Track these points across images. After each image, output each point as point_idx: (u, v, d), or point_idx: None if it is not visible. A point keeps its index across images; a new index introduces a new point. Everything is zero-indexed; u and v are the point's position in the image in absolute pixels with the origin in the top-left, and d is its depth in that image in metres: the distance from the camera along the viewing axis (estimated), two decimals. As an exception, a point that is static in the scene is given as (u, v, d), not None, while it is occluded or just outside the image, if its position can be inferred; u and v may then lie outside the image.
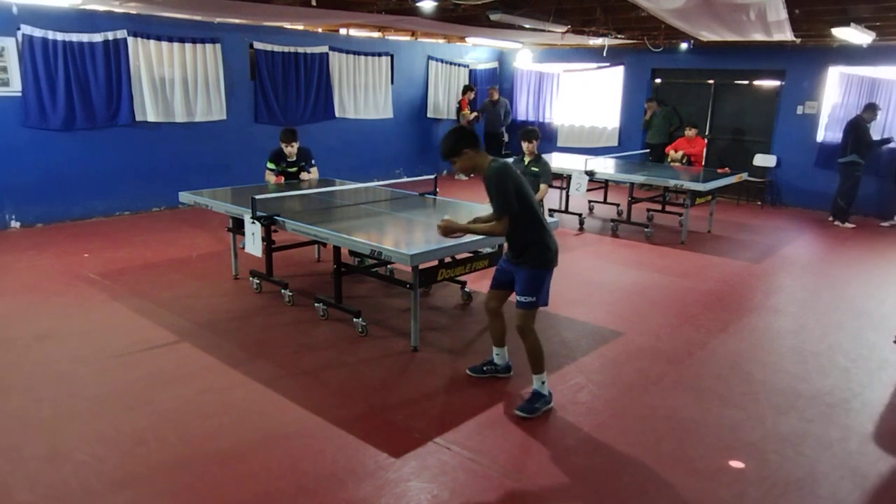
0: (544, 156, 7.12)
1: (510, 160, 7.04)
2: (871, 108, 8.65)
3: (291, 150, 6.26)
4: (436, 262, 4.41)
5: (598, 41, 9.98)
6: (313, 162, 6.57)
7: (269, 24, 9.15)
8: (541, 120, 12.78)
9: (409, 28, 9.95)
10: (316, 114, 10.11)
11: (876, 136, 9.01)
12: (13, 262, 6.21)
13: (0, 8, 6.97)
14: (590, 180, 7.90)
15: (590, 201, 9.22)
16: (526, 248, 3.54)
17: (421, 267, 4.21)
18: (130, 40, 7.94)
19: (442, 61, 11.95)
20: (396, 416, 3.58)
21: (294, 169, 6.41)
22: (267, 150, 6.83)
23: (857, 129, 8.62)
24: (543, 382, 3.65)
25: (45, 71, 7.36)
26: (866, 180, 9.07)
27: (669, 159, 9.60)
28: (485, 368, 4.06)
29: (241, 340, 4.53)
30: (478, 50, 12.62)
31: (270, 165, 6.32)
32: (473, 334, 4.76)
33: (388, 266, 5.50)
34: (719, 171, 8.49)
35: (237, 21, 8.69)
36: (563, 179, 8.37)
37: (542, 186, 6.58)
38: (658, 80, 11.47)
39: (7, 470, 3.02)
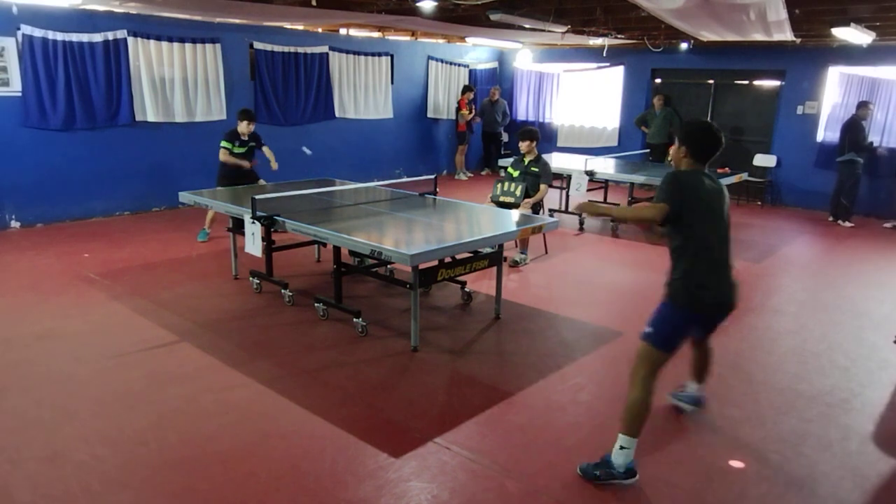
0: (544, 156, 7.11)
1: (510, 160, 7.06)
2: (864, 106, 8.75)
3: (249, 128, 6.67)
4: (436, 262, 4.41)
5: (598, 41, 9.99)
6: (263, 142, 6.98)
7: (269, 24, 9.15)
8: (541, 120, 12.78)
9: (409, 28, 9.94)
10: (316, 114, 10.11)
11: (875, 135, 9.14)
12: (13, 262, 6.21)
13: (0, 8, 6.98)
14: (590, 180, 7.90)
15: (590, 201, 9.21)
16: (672, 274, 3.00)
17: (421, 267, 4.22)
18: (130, 40, 7.94)
19: (442, 61, 11.95)
20: (396, 416, 3.58)
21: (244, 149, 6.74)
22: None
23: (852, 128, 8.69)
24: (623, 448, 2.95)
25: (45, 71, 7.36)
26: (865, 180, 9.09)
27: (670, 158, 9.58)
28: (679, 395, 3.69)
29: (241, 340, 4.53)
30: (478, 50, 12.62)
31: (226, 144, 6.64)
32: (473, 334, 4.76)
33: (388, 266, 5.50)
34: (719, 171, 8.48)
35: (237, 21, 8.69)
36: (563, 179, 8.37)
37: (542, 186, 6.58)
38: (658, 80, 11.47)
39: (7, 470, 3.02)
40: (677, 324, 2.99)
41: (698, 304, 2.95)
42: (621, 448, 2.96)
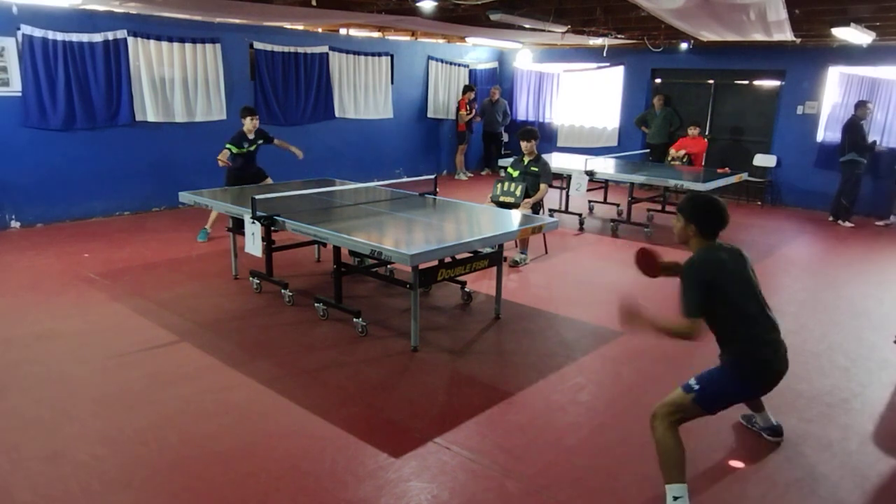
0: (544, 156, 7.12)
1: (510, 160, 7.06)
2: (863, 105, 8.76)
3: (254, 124, 6.72)
4: (436, 262, 4.41)
5: (598, 41, 9.99)
6: (272, 136, 7.05)
7: (269, 24, 9.15)
8: (541, 120, 12.78)
9: (409, 28, 9.94)
10: (316, 114, 10.11)
11: (875, 134, 9.17)
12: (13, 262, 6.20)
13: (0, 8, 6.97)
14: (590, 180, 7.90)
15: (590, 201, 9.22)
16: (725, 349, 3.00)
17: (421, 267, 4.21)
18: (130, 40, 7.94)
19: (442, 61, 11.95)
20: (396, 416, 3.58)
21: (253, 147, 6.82)
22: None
23: (852, 129, 8.71)
24: (676, 498, 2.74)
25: (45, 71, 7.36)
26: (865, 180, 9.09)
27: (670, 158, 9.60)
28: (753, 423, 3.58)
29: (241, 340, 4.53)
30: (478, 50, 12.62)
31: (230, 146, 6.60)
32: (473, 334, 4.76)
33: (388, 266, 5.50)
34: (719, 171, 8.49)
35: (237, 21, 8.69)
36: (563, 179, 8.38)
37: (542, 186, 6.58)
38: (658, 80, 11.47)
39: (7, 470, 3.02)
40: (731, 392, 2.93)
41: (759, 376, 2.94)
42: (675, 499, 2.74)
